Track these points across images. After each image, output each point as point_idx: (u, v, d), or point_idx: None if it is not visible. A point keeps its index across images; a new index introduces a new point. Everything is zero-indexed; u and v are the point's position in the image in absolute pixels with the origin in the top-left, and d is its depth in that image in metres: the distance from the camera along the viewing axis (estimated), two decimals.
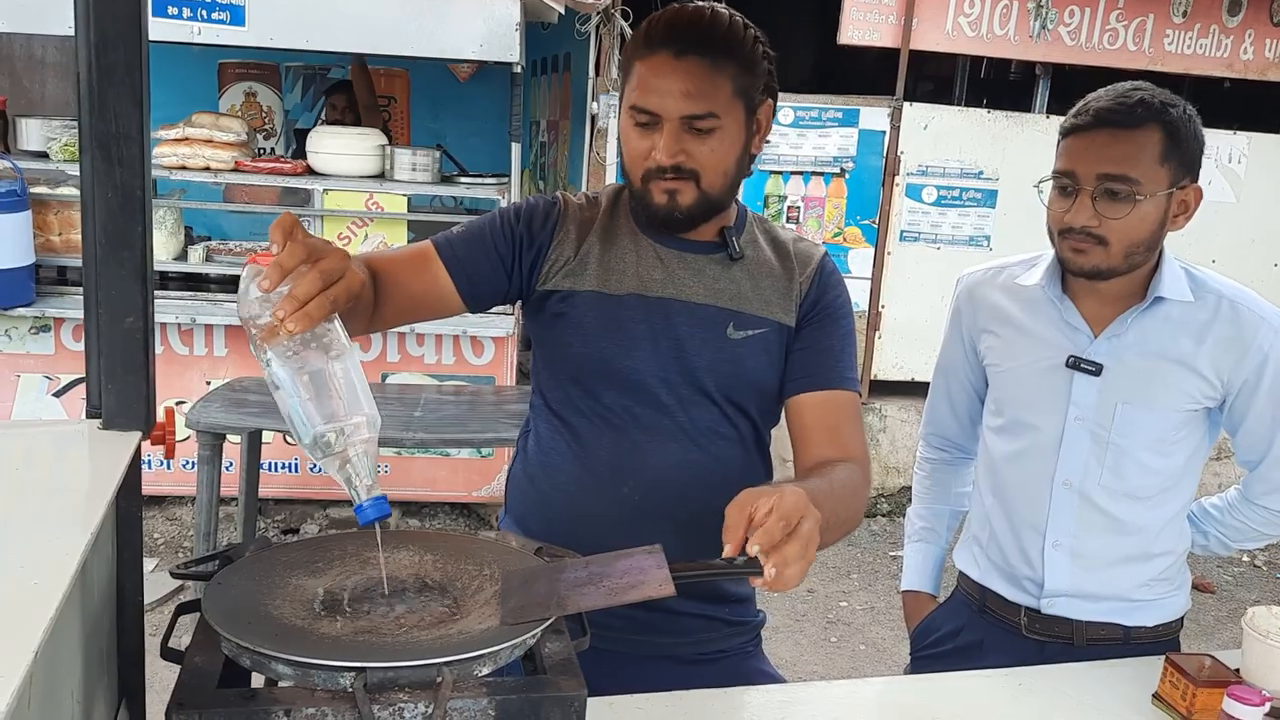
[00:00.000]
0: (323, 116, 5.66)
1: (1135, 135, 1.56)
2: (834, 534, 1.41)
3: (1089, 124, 1.60)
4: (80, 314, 4.13)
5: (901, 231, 5.21)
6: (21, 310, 4.12)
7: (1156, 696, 1.46)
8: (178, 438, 4.41)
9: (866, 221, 5.19)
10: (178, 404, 4.24)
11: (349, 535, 1.22)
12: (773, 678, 1.61)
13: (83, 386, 3.94)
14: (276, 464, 4.35)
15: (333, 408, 1.03)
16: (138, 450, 1.13)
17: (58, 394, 4.26)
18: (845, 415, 1.52)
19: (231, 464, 4.02)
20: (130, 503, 1.14)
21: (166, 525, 4.44)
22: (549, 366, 1.57)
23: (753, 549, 1.09)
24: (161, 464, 4.33)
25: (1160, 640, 1.74)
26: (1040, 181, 1.68)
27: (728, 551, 1.11)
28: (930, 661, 1.88)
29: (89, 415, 1.14)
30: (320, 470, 4.07)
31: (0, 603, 0.78)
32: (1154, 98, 1.58)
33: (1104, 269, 1.61)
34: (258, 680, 0.99)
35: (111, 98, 1.07)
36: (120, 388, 1.12)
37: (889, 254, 5.20)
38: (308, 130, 4.82)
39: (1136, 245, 1.59)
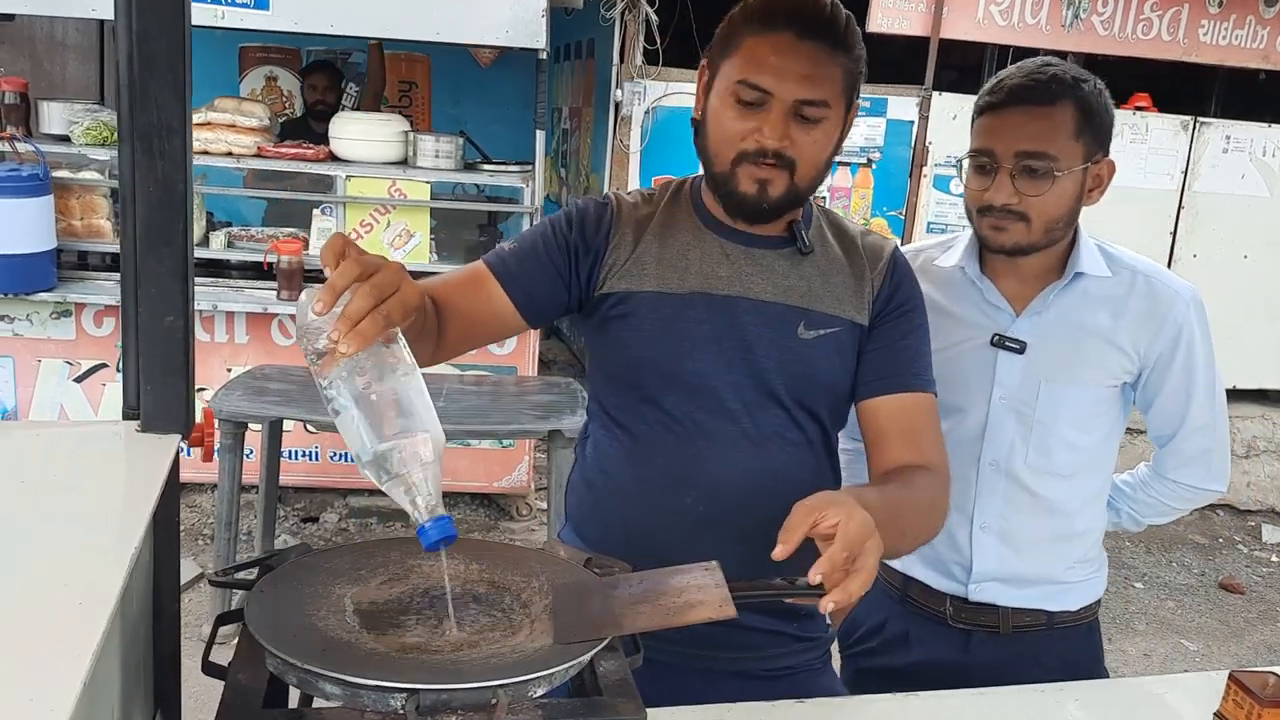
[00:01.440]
0: (303, 98, 5.63)
1: (1051, 112, 1.57)
2: (908, 547, 1.36)
3: (1004, 101, 1.60)
4: (101, 299, 4.17)
5: (929, 223, 5.14)
6: (43, 295, 4.10)
7: (1219, 715, 1.41)
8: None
9: (893, 213, 5.13)
10: (199, 391, 4.22)
11: (392, 541, 1.19)
12: (841, 696, 1.56)
13: (103, 372, 3.92)
14: (297, 452, 4.33)
15: (393, 428, 0.99)
16: (177, 454, 1.09)
17: (78, 379, 4.24)
18: (923, 419, 1.47)
19: (252, 452, 4.00)
20: (169, 508, 1.11)
21: (187, 512, 4.42)
22: (605, 371, 1.52)
23: (814, 577, 1.05)
24: (183, 450, 4.31)
25: (1081, 623, 1.76)
26: (958, 160, 1.68)
27: (777, 552, 1.06)
28: (861, 658, 1.86)
29: (126, 416, 1.10)
30: (339, 460, 4.04)
31: (46, 626, 0.75)
32: (1066, 73, 1.60)
33: (1025, 245, 1.62)
34: (301, 696, 0.95)
35: (153, 89, 1.03)
36: (159, 389, 1.08)
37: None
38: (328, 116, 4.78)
39: (1056, 221, 1.61)
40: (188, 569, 4.00)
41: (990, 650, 1.73)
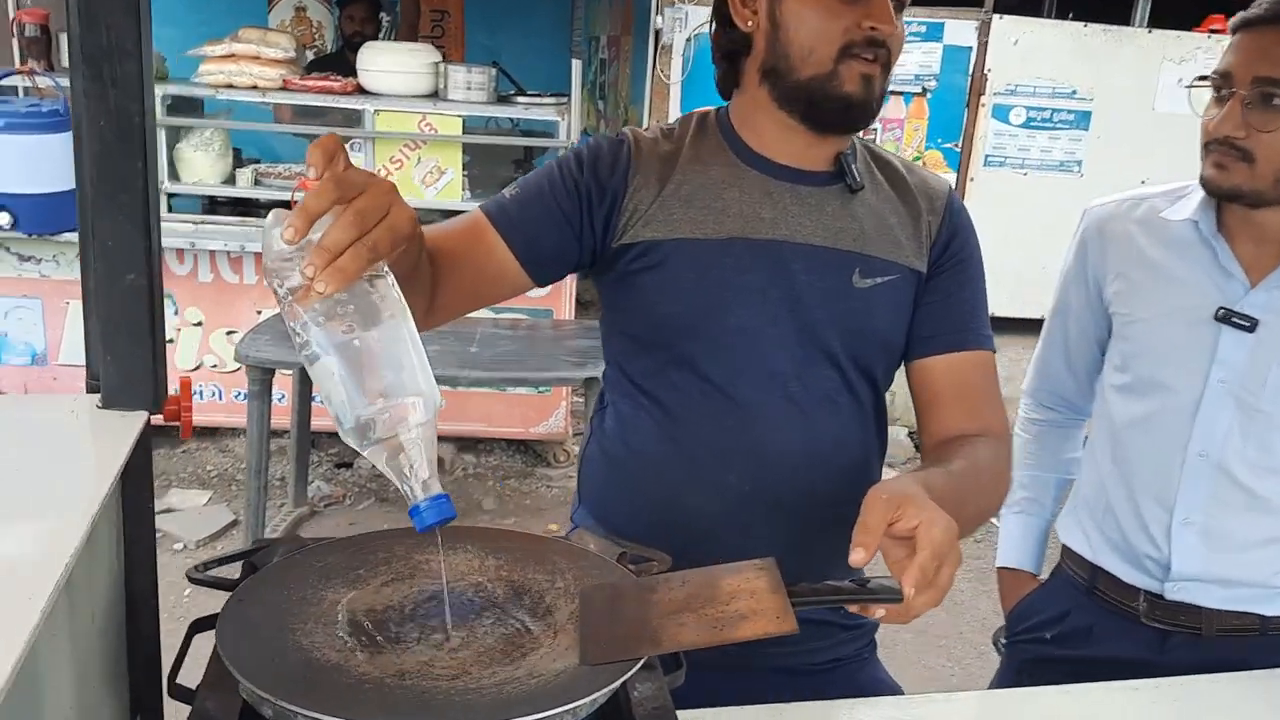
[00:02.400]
0: (339, 30, 5.44)
1: None
2: (972, 529, 1.20)
3: (1260, 18, 1.35)
4: None
5: (986, 156, 4.88)
6: (68, 235, 3.98)
7: None
8: (226, 368, 4.29)
9: (948, 145, 4.86)
10: (228, 334, 4.11)
11: (396, 534, 1.03)
12: (890, 687, 1.41)
13: None
14: None
15: (380, 385, 0.82)
16: (145, 432, 0.94)
17: None
18: (982, 380, 1.30)
19: (284, 396, 3.90)
20: (139, 493, 0.96)
21: (220, 457, 4.35)
22: (627, 333, 1.34)
23: (908, 589, 0.88)
24: (214, 394, 4.22)
25: None
26: (1191, 83, 1.42)
27: (857, 557, 0.90)
28: (1029, 647, 1.68)
29: (89, 389, 0.96)
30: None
31: None
32: None
33: (1246, 191, 1.37)
34: None
35: (102, 5, 0.85)
36: (122, 359, 0.93)
37: (972, 180, 4.87)
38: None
39: None
40: (221, 515, 3.93)
41: (1191, 653, 1.51)
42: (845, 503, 1.34)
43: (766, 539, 1.24)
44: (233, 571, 0.97)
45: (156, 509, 3.42)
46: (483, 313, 4.08)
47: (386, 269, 0.86)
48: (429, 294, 1.16)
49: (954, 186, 1.40)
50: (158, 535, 3.75)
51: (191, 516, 3.91)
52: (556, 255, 1.26)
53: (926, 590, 0.90)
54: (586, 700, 0.78)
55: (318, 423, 4.02)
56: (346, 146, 4.18)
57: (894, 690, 1.40)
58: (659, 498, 1.30)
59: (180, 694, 0.82)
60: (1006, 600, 1.78)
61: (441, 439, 4.38)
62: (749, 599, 0.88)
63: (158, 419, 1.01)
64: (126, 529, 0.96)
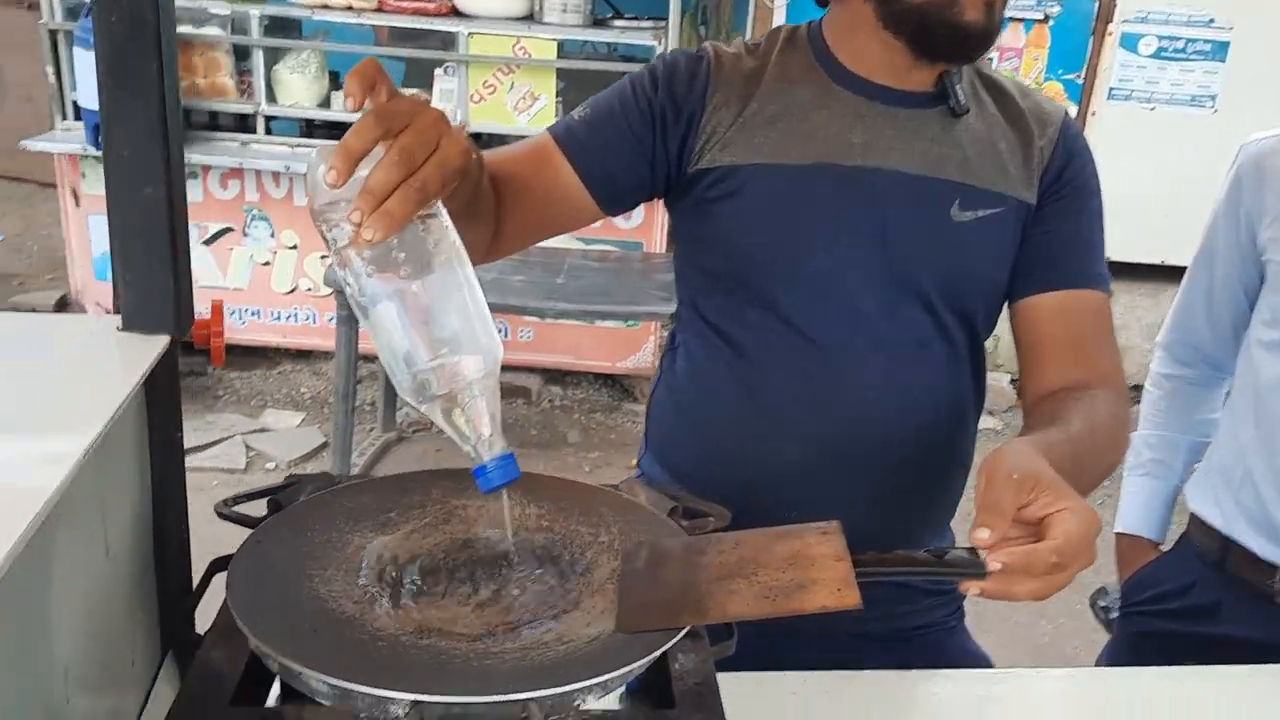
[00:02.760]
0: None
1: None
2: (1087, 494, 1.10)
3: None
4: (224, 161, 4.07)
5: (1111, 89, 4.56)
6: None
7: None
8: (320, 292, 4.30)
9: (1070, 76, 4.56)
10: (322, 258, 4.13)
11: (436, 475, 0.97)
12: (977, 658, 1.31)
13: (229, 236, 3.86)
14: None
15: (436, 337, 0.76)
16: (168, 356, 0.88)
17: (206, 242, 4.20)
18: (1095, 324, 1.17)
19: None
20: (165, 423, 0.91)
21: (314, 380, 4.40)
22: (701, 266, 1.24)
23: (994, 565, 0.78)
24: (308, 318, 4.26)
25: None
26: None
27: (987, 538, 0.79)
28: (1146, 620, 1.55)
29: (114, 309, 0.91)
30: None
31: None
32: None
33: None
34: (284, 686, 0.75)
35: None
36: (140, 278, 0.87)
37: (1093, 114, 4.57)
38: None
39: None
40: (312, 437, 3.99)
41: None
42: (935, 459, 1.24)
43: (844, 497, 1.14)
44: (264, 509, 0.92)
45: (251, 428, 3.45)
46: (571, 244, 4.03)
47: (440, 208, 0.79)
48: (493, 224, 1.09)
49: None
50: (251, 453, 3.86)
51: (284, 437, 3.98)
52: (628, 181, 1.17)
53: (1040, 582, 0.79)
54: (615, 674, 0.70)
55: None
56: (441, 70, 4.11)
57: (982, 662, 1.30)
58: (728, 448, 1.21)
59: (186, 642, 0.77)
60: (1124, 568, 1.66)
61: (529, 370, 4.36)
62: (808, 567, 0.79)
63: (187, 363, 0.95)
64: (153, 461, 0.91)
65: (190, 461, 3.66)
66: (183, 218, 0.88)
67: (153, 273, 0.86)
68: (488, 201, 1.05)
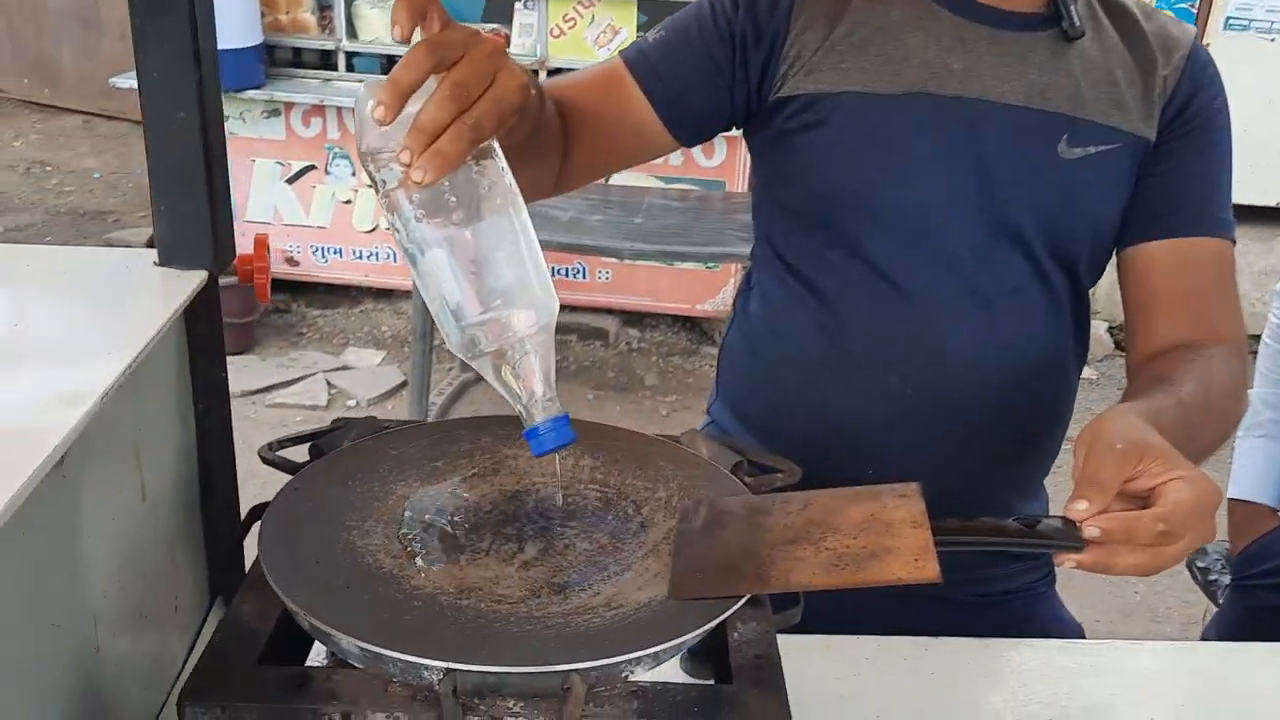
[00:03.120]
0: None
1: None
2: (1200, 463, 1.01)
3: None
4: (307, 98, 4.06)
5: (1228, 18, 4.28)
6: (252, 93, 4.03)
7: None
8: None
9: (1182, 4, 4.29)
10: None
11: (486, 423, 0.91)
12: (1069, 627, 1.22)
13: (312, 174, 3.86)
14: None
15: (487, 289, 0.71)
16: (207, 292, 0.84)
17: (289, 180, 4.22)
18: (1215, 275, 1.07)
19: None
20: (208, 362, 0.87)
21: (395, 319, 4.42)
22: (781, 202, 1.15)
23: (1091, 530, 0.70)
24: (389, 256, 4.26)
25: None
26: None
27: (1084, 510, 0.71)
28: (1260, 594, 1.45)
29: (150, 243, 0.87)
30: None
31: None
32: None
33: None
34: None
35: None
36: (175, 210, 0.83)
37: (1208, 45, 4.30)
38: None
39: None
40: (392, 375, 4.01)
41: None
42: (1029, 416, 1.14)
43: (927, 455, 1.06)
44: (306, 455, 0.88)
45: (333, 366, 3.46)
46: (650, 183, 3.94)
47: (496, 147, 0.73)
48: (558, 158, 1.02)
49: None
50: (332, 391, 3.89)
51: (365, 375, 4.00)
52: (704, 110, 1.09)
53: (1139, 551, 0.71)
54: (666, 646, 0.65)
55: None
56: (520, 4, 4.02)
57: (1073, 631, 1.22)
58: (804, 399, 1.14)
59: (224, 584, 0.74)
60: (1238, 536, 1.56)
61: (607, 312, 4.31)
62: (882, 533, 0.72)
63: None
64: (197, 402, 0.88)
65: (273, 398, 3.70)
66: (219, 146, 0.83)
67: (187, 202, 0.82)
68: (552, 134, 0.98)
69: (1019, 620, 1.18)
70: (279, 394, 3.76)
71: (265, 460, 0.86)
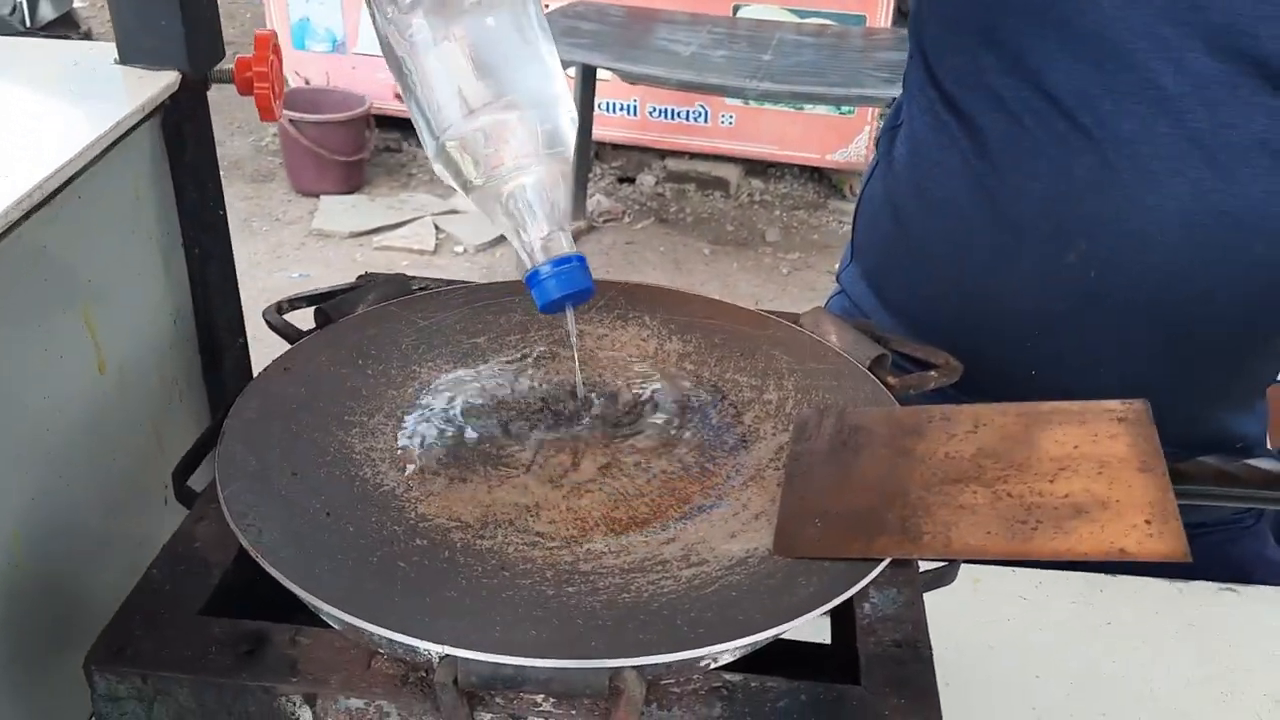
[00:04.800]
0: None
1: None
2: None
3: None
4: None
5: None
6: None
7: None
8: None
9: None
10: None
11: None
12: (1277, 569, 0.98)
13: None
14: (613, 104, 3.93)
15: (481, 92, 0.56)
16: (187, 102, 0.64)
17: None
18: None
19: None
20: (198, 195, 0.68)
21: None
22: (942, 15, 0.89)
23: None
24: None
25: None
26: None
27: None
28: None
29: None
30: (659, 116, 3.62)
31: None
32: None
33: None
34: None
35: None
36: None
37: None
38: None
39: None
40: (487, 235, 3.84)
41: None
42: (1255, 311, 0.88)
43: (1121, 359, 0.82)
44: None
45: (442, 209, 3.30)
46: (783, 15, 3.58)
47: None
48: None
49: None
50: (440, 235, 3.75)
51: (474, 220, 3.84)
52: None
53: None
54: (762, 636, 0.44)
55: (600, 132, 3.77)
56: None
57: None
58: (957, 275, 0.89)
59: (185, 498, 0.56)
60: None
61: (729, 160, 4.02)
62: (1094, 477, 0.49)
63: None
64: (188, 246, 0.69)
65: (380, 240, 3.58)
66: None
67: None
68: None
69: (1220, 558, 0.94)
70: (387, 236, 3.65)
71: (270, 325, 0.68)
